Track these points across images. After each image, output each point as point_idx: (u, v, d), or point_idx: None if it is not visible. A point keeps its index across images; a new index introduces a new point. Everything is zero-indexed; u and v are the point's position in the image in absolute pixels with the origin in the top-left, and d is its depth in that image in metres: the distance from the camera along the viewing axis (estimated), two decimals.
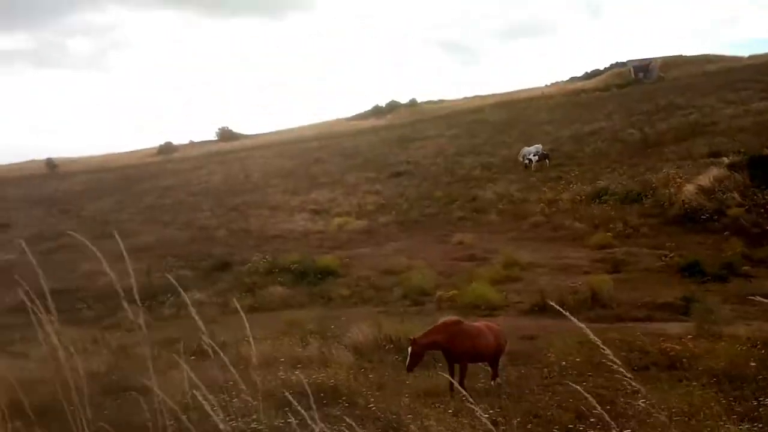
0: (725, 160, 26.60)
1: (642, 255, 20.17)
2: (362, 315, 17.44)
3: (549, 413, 7.10)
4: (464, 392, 8.47)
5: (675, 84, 47.31)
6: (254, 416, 7.33)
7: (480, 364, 9.71)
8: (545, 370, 9.84)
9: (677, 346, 9.95)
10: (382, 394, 8.51)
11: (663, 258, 19.33)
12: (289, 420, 7.04)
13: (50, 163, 69.05)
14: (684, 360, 9.42)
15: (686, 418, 5.99)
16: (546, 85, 69.42)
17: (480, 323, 9.89)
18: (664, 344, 10.54)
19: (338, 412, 7.74)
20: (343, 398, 8.14)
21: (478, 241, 25.25)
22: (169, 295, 24.11)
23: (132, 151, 78.46)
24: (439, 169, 38.56)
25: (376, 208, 33.63)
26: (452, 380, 7.76)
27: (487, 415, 6.62)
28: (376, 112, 70.10)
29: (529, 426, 6.37)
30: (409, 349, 8.91)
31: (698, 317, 12.56)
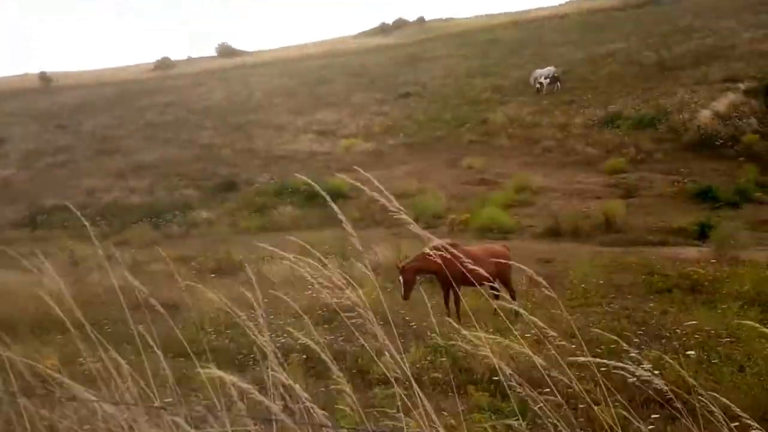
0: (741, 85, 26.07)
1: (655, 180, 20.10)
2: (376, 237, 17.53)
3: (589, 334, 7.12)
4: (458, 316, 8.63)
5: (695, 4, 45.56)
6: (302, 332, 7.41)
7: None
8: (568, 292, 9.89)
9: (699, 270, 9.98)
10: (416, 314, 8.56)
11: (676, 183, 19.27)
12: (335, 335, 7.13)
13: (44, 77, 66.40)
14: (706, 283, 9.47)
15: (729, 340, 6.01)
16: (560, 4, 66.70)
17: (478, 246, 9.76)
18: (684, 268, 10.61)
19: (379, 330, 7.87)
20: (378, 317, 8.16)
21: (489, 165, 25.11)
22: (176, 213, 24.24)
23: (128, 66, 76.44)
24: (449, 91, 37.76)
25: (383, 130, 33.14)
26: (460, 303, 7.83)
27: (529, 335, 6.66)
28: (383, 29, 67.98)
29: (573, 345, 6.41)
30: (400, 278, 8.62)
31: (716, 242, 12.58)
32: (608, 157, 23.10)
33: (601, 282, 10.29)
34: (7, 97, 58.87)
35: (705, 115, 23.86)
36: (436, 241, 8.85)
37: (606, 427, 2.29)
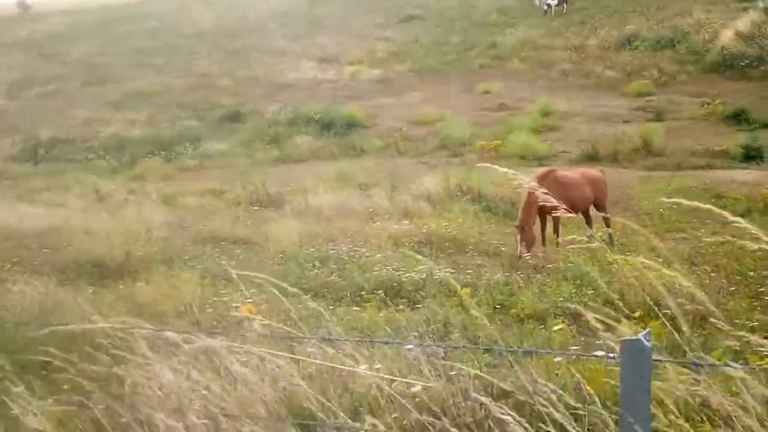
0: (761, 3, 25.39)
1: (683, 103, 19.74)
2: (406, 167, 17.13)
3: (713, 261, 6.88)
4: (557, 243, 8.45)
5: None
6: (395, 264, 7.10)
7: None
8: (645, 217, 9.70)
9: None
10: (504, 241, 8.32)
11: (706, 105, 18.91)
12: (441, 267, 6.87)
13: (23, 4, 63.80)
14: None
15: None
16: None
17: (577, 171, 9.49)
18: (751, 191, 10.43)
19: (480, 261, 7.63)
20: (470, 247, 7.93)
21: (506, 90, 24.47)
22: (187, 146, 23.50)
23: None
24: (453, 13, 36.47)
25: (389, 55, 32.10)
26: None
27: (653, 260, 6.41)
28: None
29: (713, 274, 6.19)
30: (518, 237, 7.87)
31: None
32: (630, 80, 22.60)
33: (674, 207, 10.07)
34: None
35: (727, 35, 23.28)
36: (539, 172, 8.50)
37: None
